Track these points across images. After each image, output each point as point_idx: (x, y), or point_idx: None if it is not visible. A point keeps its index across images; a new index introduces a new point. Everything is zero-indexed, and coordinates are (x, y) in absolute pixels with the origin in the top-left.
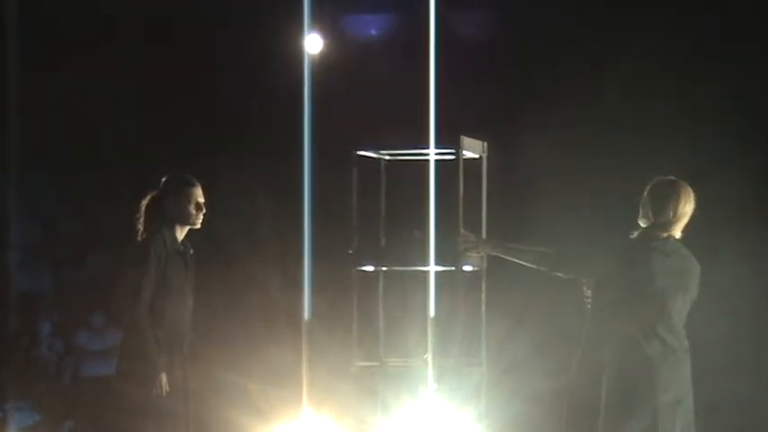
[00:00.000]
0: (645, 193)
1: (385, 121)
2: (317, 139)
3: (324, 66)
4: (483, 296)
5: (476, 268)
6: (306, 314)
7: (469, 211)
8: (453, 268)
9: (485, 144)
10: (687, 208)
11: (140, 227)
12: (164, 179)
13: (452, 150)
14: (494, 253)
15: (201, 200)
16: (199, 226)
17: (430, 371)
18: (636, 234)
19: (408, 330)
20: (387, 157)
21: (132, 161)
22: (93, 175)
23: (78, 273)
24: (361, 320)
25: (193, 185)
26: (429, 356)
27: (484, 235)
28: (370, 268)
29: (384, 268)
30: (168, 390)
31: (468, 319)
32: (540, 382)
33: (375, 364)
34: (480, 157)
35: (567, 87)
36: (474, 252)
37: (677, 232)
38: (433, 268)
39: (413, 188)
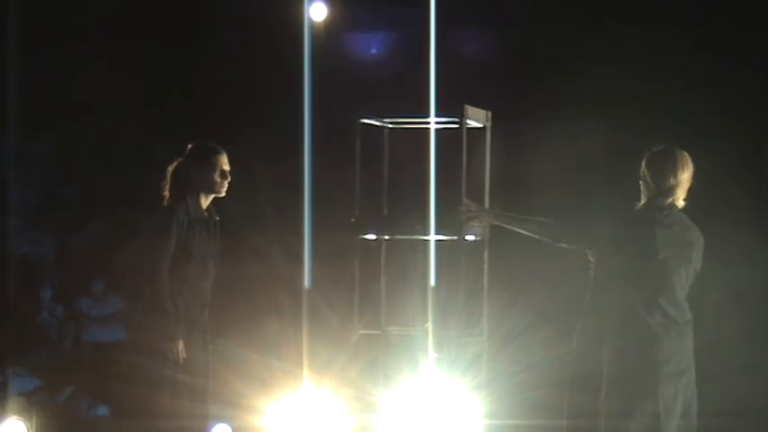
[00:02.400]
0: (642, 165)
1: (388, 90)
2: (320, 106)
3: (327, 33)
4: (485, 266)
5: (478, 238)
6: (306, 283)
7: (473, 181)
8: (455, 238)
9: (489, 113)
10: (686, 173)
11: (166, 193)
12: (189, 146)
13: (456, 119)
14: (496, 223)
15: (227, 167)
16: (223, 194)
17: (430, 340)
18: (639, 205)
19: (409, 299)
20: (389, 126)
21: (134, 127)
22: (95, 141)
23: (80, 239)
24: (363, 289)
25: (219, 153)
26: (430, 326)
27: (487, 205)
28: (371, 237)
29: (386, 237)
30: (186, 358)
31: (470, 289)
32: (541, 352)
33: (376, 332)
34: (484, 127)
35: (574, 56)
36: (476, 222)
37: (679, 201)
38: (434, 237)
39: (418, 157)
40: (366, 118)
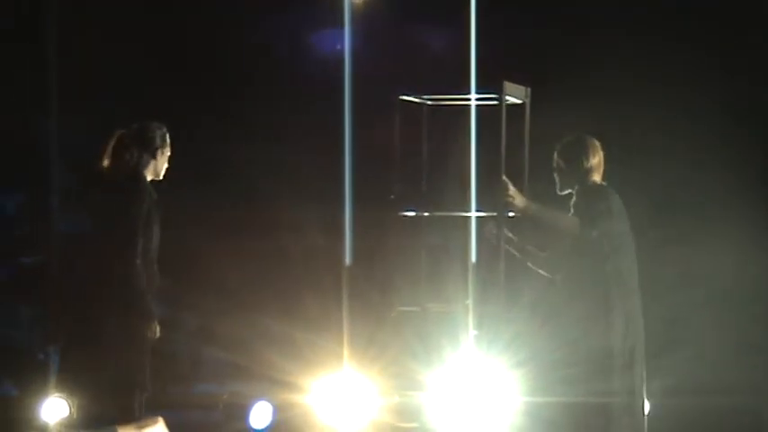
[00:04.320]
0: (588, 154)
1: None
2: (360, 83)
3: (367, 9)
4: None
5: (517, 214)
6: (347, 260)
7: (513, 157)
8: (495, 214)
9: (528, 89)
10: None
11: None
12: (154, 131)
13: (495, 95)
14: (527, 214)
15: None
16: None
17: (470, 317)
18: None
19: (449, 276)
20: (429, 102)
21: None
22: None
23: None
24: (403, 266)
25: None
26: (470, 302)
27: (526, 179)
28: (411, 213)
29: (426, 214)
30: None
31: (510, 265)
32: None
33: (416, 309)
34: (523, 103)
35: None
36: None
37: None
38: (474, 214)
39: (457, 133)
40: (405, 95)
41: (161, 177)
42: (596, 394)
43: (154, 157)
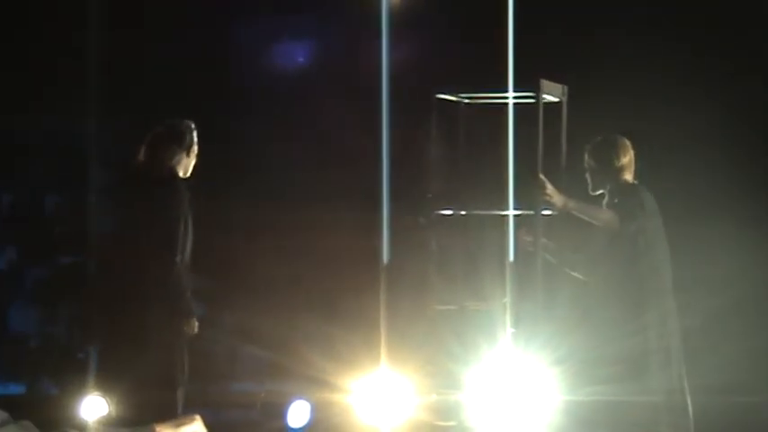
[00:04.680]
0: (619, 154)
1: (464, 64)
2: (396, 81)
3: (403, 7)
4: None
5: (554, 212)
6: (384, 258)
7: (550, 155)
8: (532, 212)
9: (565, 88)
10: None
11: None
12: (186, 129)
13: (532, 94)
14: (565, 210)
15: None
16: None
17: (508, 315)
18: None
19: (487, 274)
20: (466, 101)
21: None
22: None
23: None
24: (440, 264)
25: None
26: (507, 300)
27: (563, 177)
28: (448, 212)
29: (462, 212)
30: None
31: (548, 263)
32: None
33: (453, 307)
34: (560, 101)
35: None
36: (548, 205)
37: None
38: (511, 212)
39: (493, 131)
40: (442, 93)
41: (188, 175)
42: (633, 393)
43: (187, 155)
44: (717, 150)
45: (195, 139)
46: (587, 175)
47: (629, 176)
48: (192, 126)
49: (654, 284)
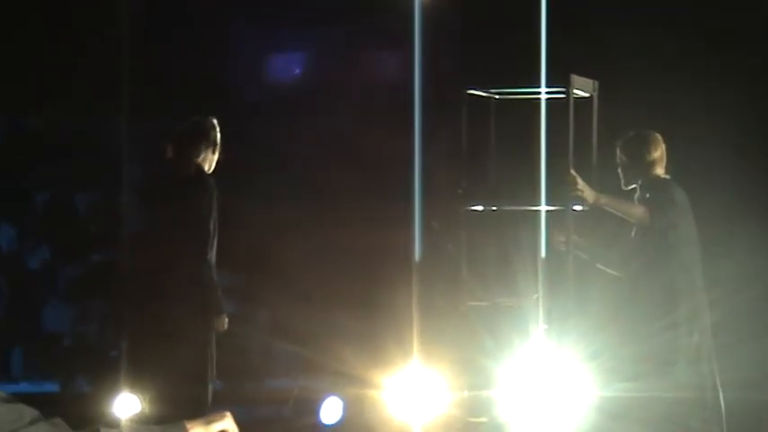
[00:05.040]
0: (650, 149)
1: (496, 60)
2: (428, 78)
3: (435, 3)
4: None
5: (585, 208)
6: (417, 255)
7: (581, 151)
8: (563, 208)
9: (595, 83)
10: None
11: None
12: (211, 126)
13: (563, 89)
14: (596, 206)
15: None
16: None
17: (540, 311)
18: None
19: (519, 270)
20: (497, 96)
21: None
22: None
23: None
24: (472, 261)
25: None
26: (539, 296)
27: (595, 172)
28: (479, 208)
29: (493, 208)
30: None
31: (580, 259)
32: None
33: (486, 303)
34: (591, 96)
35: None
36: (579, 200)
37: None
38: (543, 208)
39: (523, 127)
40: (473, 89)
41: (211, 171)
42: (665, 389)
43: (213, 152)
44: (747, 146)
45: (219, 135)
46: (619, 171)
47: (660, 171)
48: (215, 123)
49: (684, 281)
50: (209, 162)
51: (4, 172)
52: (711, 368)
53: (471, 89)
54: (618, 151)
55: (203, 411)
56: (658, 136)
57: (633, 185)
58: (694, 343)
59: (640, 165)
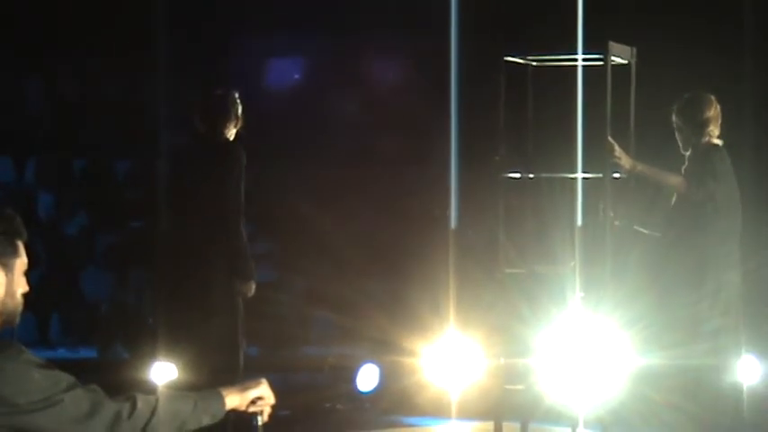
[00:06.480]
0: (703, 109)
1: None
2: (465, 44)
3: None
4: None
5: (624, 176)
6: (453, 222)
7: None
8: (601, 175)
9: (633, 50)
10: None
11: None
12: (235, 97)
13: (600, 56)
14: (634, 173)
15: None
16: None
17: (577, 278)
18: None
19: (556, 237)
20: (534, 63)
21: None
22: None
23: None
24: (509, 228)
25: None
26: (576, 264)
27: (632, 140)
28: (516, 175)
29: (531, 175)
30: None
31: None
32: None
33: (522, 271)
34: (629, 63)
35: None
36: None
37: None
38: (580, 175)
39: (562, 94)
40: (510, 56)
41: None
42: (695, 357)
43: (236, 125)
44: None
45: (240, 106)
46: (676, 134)
47: (715, 132)
48: (237, 95)
49: (715, 254)
50: (233, 131)
51: (43, 140)
52: (732, 345)
53: (509, 56)
54: (673, 116)
55: (237, 377)
56: (712, 97)
57: (690, 149)
58: (716, 315)
59: (693, 126)
